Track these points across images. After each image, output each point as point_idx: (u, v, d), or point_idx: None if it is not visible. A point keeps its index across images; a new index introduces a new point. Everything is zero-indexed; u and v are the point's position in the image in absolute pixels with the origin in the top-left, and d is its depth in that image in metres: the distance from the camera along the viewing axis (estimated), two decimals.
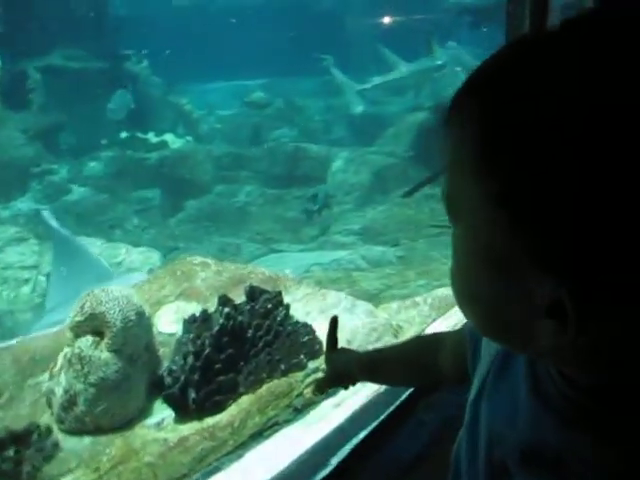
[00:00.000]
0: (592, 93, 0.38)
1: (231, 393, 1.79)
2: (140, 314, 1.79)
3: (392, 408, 1.78)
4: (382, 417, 1.78)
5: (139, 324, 1.78)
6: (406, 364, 0.96)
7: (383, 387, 1.88)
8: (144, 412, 1.82)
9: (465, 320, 0.61)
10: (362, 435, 1.71)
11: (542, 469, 0.49)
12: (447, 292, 2.61)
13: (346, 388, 1.10)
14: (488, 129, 0.42)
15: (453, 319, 2.43)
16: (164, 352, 2.01)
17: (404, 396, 1.79)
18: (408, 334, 2.22)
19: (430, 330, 2.38)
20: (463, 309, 0.54)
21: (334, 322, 1.04)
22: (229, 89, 11.75)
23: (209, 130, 9.56)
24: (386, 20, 11.47)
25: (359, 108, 9.23)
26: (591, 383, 0.47)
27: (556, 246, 0.39)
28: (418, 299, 2.31)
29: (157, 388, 1.86)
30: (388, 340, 2.14)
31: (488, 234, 0.44)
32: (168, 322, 2.07)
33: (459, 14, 8.71)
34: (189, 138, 9.15)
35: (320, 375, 2.00)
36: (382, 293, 3.23)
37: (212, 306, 2.07)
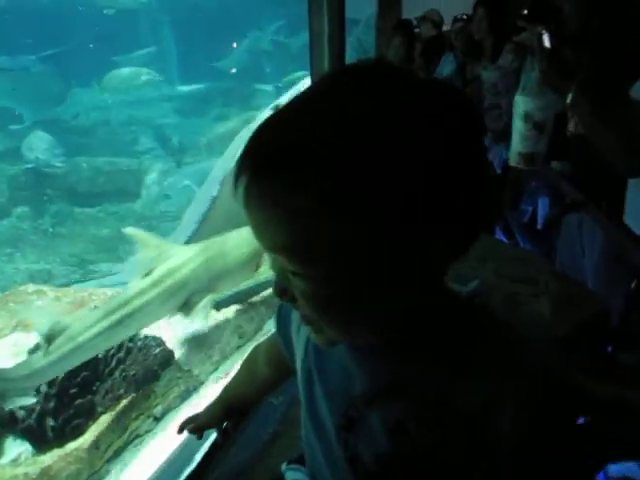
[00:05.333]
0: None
1: (90, 415, 1.83)
2: None
3: None
4: None
5: None
6: (248, 383, 1.01)
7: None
8: None
9: None
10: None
11: (384, 401, 0.62)
12: None
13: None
14: (324, 180, 0.49)
15: None
16: None
17: None
18: (250, 332, 2.45)
19: (268, 328, 2.64)
20: (347, 333, 0.59)
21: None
22: None
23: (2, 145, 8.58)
24: None
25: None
26: (391, 327, 0.60)
27: (430, 210, 0.51)
28: (254, 299, 2.54)
29: (5, 426, 1.81)
30: (233, 341, 2.34)
31: (362, 247, 0.51)
32: (7, 356, 1.98)
33: None
34: None
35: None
36: None
37: None
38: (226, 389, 1.06)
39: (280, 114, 0.55)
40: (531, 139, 2.77)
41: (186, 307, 1.99)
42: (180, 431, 1.05)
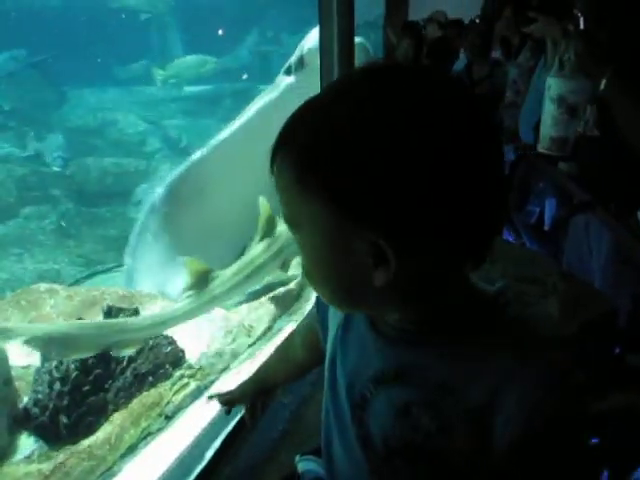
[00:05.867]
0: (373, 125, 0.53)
1: (103, 412, 1.85)
2: None
3: None
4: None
5: None
6: (281, 364, 1.06)
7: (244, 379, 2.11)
8: (9, 449, 1.78)
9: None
10: (231, 425, 1.92)
11: (390, 384, 0.66)
12: (287, 290, 2.92)
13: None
14: (305, 155, 0.56)
15: (296, 313, 2.75)
16: (19, 386, 1.97)
17: None
18: (260, 331, 2.47)
19: (278, 326, 2.67)
20: (324, 295, 0.66)
21: None
22: None
23: (7, 146, 8.64)
24: None
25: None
26: (411, 319, 0.64)
27: (367, 207, 0.54)
28: (264, 299, 2.57)
29: (19, 423, 1.84)
30: (243, 340, 2.36)
31: (322, 225, 0.57)
32: (19, 355, 2.01)
33: None
34: None
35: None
36: None
37: None
38: (259, 369, 1.09)
39: (300, 112, 0.60)
40: (563, 123, 2.68)
41: (284, 266, 2.55)
42: (210, 399, 1.10)
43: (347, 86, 0.59)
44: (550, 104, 2.64)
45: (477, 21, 4.27)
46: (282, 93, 3.66)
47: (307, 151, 0.56)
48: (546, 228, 3.30)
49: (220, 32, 10.63)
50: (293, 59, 3.85)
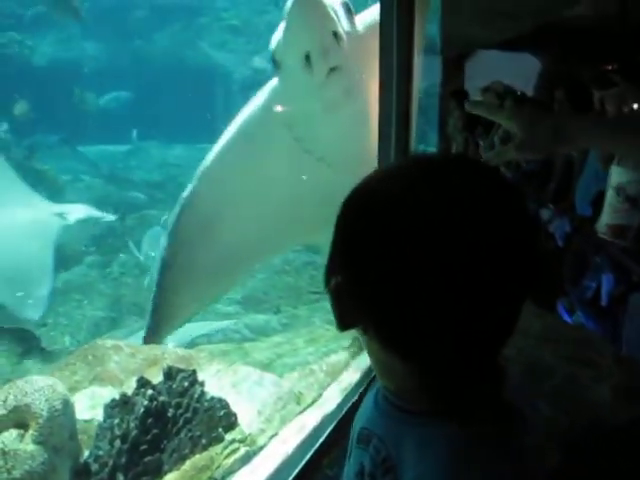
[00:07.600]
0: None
1: (157, 472, 1.91)
2: (65, 403, 1.86)
3: (300, 467, 2.03)
4: (292, 476, 2.01)
5: (64, 413, 1.85)
6: None
7: (291, 450, 2.12)
8: None
9: None
10: None
11: (360, 444, 0.71)
12: (337, 358, 2.96)
13: None
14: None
15: (344, 383, 2.77)
16: (82, 439, 2.06)
17: (309, 455, 2.05)
18: (309, 399, 2.50)
19: (327, 395, 2.69)
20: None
21: None
22: (93, 154, 11.52)
23: (77, 197, 9.23)
24: None
25: None
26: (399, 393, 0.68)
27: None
28: (314, 367, 2.61)
29: (79, 477, 1.92)
30: (292, 408, 2.40)
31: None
32: (84, 408, 2.13)
33: None
34: None
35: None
36: (274, 362, 3.45)
37: (128, 389, 2.18)
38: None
39: (368, 181, 0.69)
40: (621, 212, 2.64)
41: None
42: None
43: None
44: (610, 191, 2.62)
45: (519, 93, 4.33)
46: (267, 98, 3.47)
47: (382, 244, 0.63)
48: (603, 304, 3.22)
49: None
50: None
